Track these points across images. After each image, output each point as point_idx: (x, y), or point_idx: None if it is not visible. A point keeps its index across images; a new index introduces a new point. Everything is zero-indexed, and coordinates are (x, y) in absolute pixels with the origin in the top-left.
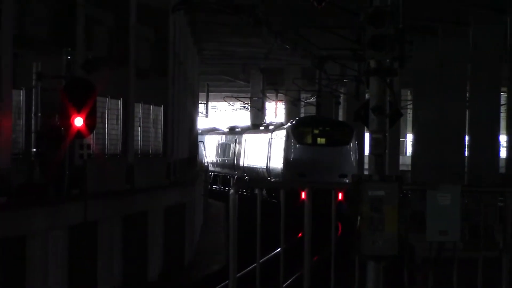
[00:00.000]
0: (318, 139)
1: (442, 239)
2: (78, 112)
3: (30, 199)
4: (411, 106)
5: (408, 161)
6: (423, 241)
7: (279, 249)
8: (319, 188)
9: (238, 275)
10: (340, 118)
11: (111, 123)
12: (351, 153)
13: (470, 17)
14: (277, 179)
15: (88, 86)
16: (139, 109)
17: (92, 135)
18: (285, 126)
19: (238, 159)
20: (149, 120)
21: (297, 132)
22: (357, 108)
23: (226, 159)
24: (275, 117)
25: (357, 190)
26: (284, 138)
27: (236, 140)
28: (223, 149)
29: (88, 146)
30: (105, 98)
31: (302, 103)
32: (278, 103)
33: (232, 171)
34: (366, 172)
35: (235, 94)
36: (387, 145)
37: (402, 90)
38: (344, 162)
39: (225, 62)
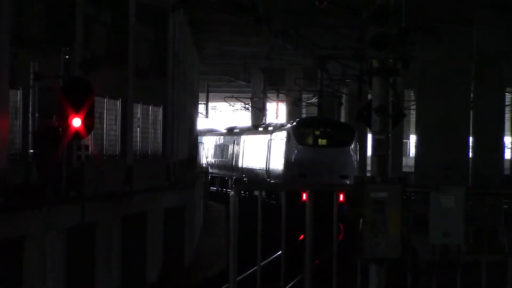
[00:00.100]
0: (319, 140)
1: (446, 241)
2: (76, 112)
3: (27, 200)
4: (414, 107)
5: (411, 162)
6: (426, 244)
7: (280, 252)
8: (320, 190)
9: (238, 278)
10: (342, 119)
11: (110, 124)
12: (353, 154)
13: (473, 17)
14: (277, 180)
15: (86, 86)
16: (138, 110)
17: (90, 136)
18: (286, 127)
19: (237, 161)
20: (148, 120)
21: (298, 133)
22: (360, 109)
23: (224, 161)
24: (276, 118)
25: (359, 192)
26: (285, 139)
27: (234, 141)
28: (221, 150)
29: (86, 147)
30: (104, 98)
31: (304, 103)
32: (279, 103)
33: (230, 173)
34: (368, 174)
35: (236, 95)
36: (390, 146)
37: (405, 91)
38: (345, 163)
39: (225, 61)
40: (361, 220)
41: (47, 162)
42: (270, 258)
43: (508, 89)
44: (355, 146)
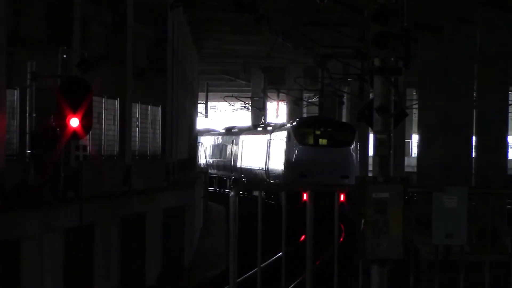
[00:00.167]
0: (320, 140)
1: (449, 242)
2: (74, 112)
3: (25, 201)
4: (416, 106)
5: (414, 162)
6: (428, 244)
7: (281, 253)
8: (321, 190)
9: (239, 279)
10: (344, 118)
11: (108, 124)
12: (353, 154)
13: (476, 16)
14: (277, 180)
15: (84, 85)
16: (136, 109)
17: (88, 136)
18: (286, 127)
19: (235, 161)
20: (147, 120)
21: (299, 132)
22: (361, 108)
23: (222, 161)
24: (277, 117)
25: (361, 192)
26: (285, 139)
27: (233, 141)
28: (220, 150)
29: (84, 147)
30: (102, 98)
31: (305, 103)
32: (280, 103)
33: (228, 173)
34: (370, 174)
35: (236, 94)
36: (391, 146)
37: (407, 90)
38: (346, 163)
39: (225, 60)
40: (362, 221)
41: (45, 162)
42: (271, 259)
43: (511, 88)
44: (356, 146)
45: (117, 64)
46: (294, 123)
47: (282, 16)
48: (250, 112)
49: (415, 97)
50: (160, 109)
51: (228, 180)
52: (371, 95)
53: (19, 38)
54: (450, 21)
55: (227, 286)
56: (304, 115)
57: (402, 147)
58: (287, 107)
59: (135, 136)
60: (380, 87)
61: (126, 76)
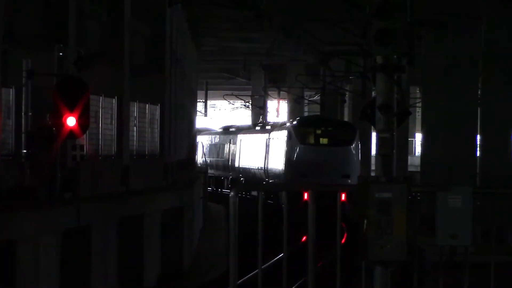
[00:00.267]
0: (321, 139)
1: (453, 243)
2: (71, 111)
3: (21, 202)
4: (420, 104)
5: (417, 161)
6: (433, 245)
7: (282, 254)
8: (322, 190)
9: (239, 281)
10: (346, 117)
11: (105, 123)
12: (354, 153)
13: (480, 11)
14: (276, 180)
15: (81, 84)
16: (134, 108)
17: (85, 135)
18: (286, 126)
19: (233, 160)
20: (145, 119)
21: (299, 131)
22: (363, 107)
23: (220, 160)
24: (277, 116)
25: (363, 192)
26: (285, 138)
27: (231, 140)
28: (217, 149)
29: (81, 147)
30: (99, 97)
31: (306, 101)
32: (281, 101)
33: (226, 173)
34: (373, 173)
35: (236, 92)
36: (394, 145)
37: (411, 87)
38: (347, 163)
39: (224, 58)
40: (365, 221)
41: (41, 162)
42: (271, 261)
43: None
44: (357, 145)
45: (114, 62)
46: (295, 122)
47: (283, 12)
48: (250, 111)
49: (418, 95)
50: (158, 107)
51: (225, 180)
52: (373, 93)
53: (14, 35)
54: (454, 17)
55: None
56: (306, 114)
57: (405, 146)
58: (288, 105)
59: (133, 136)
60: (382, 85)
61: (123, 74)
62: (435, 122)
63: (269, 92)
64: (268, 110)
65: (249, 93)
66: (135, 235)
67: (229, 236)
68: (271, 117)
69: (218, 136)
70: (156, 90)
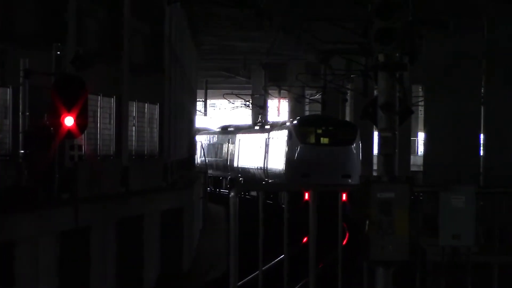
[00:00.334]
0: (321, 138)
1: (456, 243)
2: (69, 111)
3: (18, 203)
4: (422, 103)
5: (420, 161)
6: (435, 245)
7: (283, 255)
8: (322, 189)
9: (239, 283)
10: (347, 116)
11: (104, 123)
12: (355, 153)
13: (483, 9)
14: (275, 180)
15: (79, 83)
16: (133, 108)
17: (83, 135)
18: (287, 125)
19: (232, 160)
20: (144, 119)
21: (300, 131)
22: (365, 105)
23: (218, 160)
24: (278, 115)
25: (365, 192)
26: (286, 138)
27: (229, 140)
28: (215, 149)
29: (79, 147)
30: (97, 96)
31: (307, 100)
32: (281, 100)
33: (225, 173)
34: (375, 173)
35: (236, 91)
36: (396, 144)
37: (413, 86)
38: (348, 162)
39: (224, 57)
40: (367, 222)
41: (39, 162)
42: (273, 262)
43: None
44: (358, 144)
45: (113, 60)
46: (295, 122)
47: (283, 10)
48: (251, 110)
49: (421, 93)
50: (157, 107)
51: (224, 180)
52: (375, 92)
53: (12, 34)
54: (456, 14)
55: None
56: (307, 113)
57: (408, 146)
58: (289, 104)
59: (132, 135)
60: (384, 84)
61: (122, 73)
62: (438, 121)
63: (270, 91)
64: (269, 109)
65: (249, 92)
66: (134, 235)
67: (229, 236)
68: (272, 116)
69: (216, 136)
70: (155, 89)
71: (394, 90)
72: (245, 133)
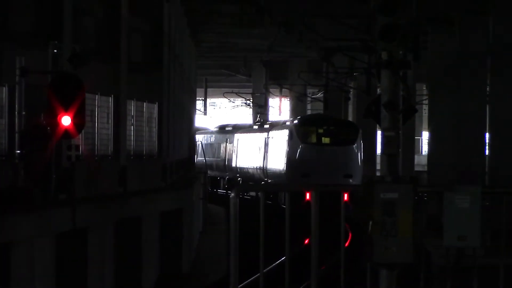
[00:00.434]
0: (323, 138)
1: (461, 245)
2: (66, 110)
3: (15, 204)
4: (426, 102)
5: (424, 161)
6: (440, 247)
7: (284, 257)
8: (324, 190)
9: (240, 286)
10: (350, 115)
11: (102, 122)
12: (357, 153)
13: (489, 5)
14: (275, 180)
15: (76, 82)
16: (131, 107)
17: (80, 135)
18: (287, 125)
19: (230, 160)
20: (143, 118)
21: (301, 130)
22: (368, 104)
23: (216, 160)
24: (280, 114)
25: (368, 192)
26: (287, 137)
27: (227, 139)
28: (213, 149)
29: (77, 147)
30: (95, 95)
31: (309, 98)
32: (283, 99)
33: (223, 173)
34: (378, 173)
35: (236, 90)
36: (400, 144)
37: (417, 85)
38: (349, 162)
39: (224, 55)
40: (370, 223)
41: (35, 163)
42: (274, 264)
43: None
44: (359, 144)
45: (111, 59)
46: (296, 121)
47: (285, 7)
48: (251, 109)
49: (425, 92)
50: (156, 106)
51: (222, 180)
52: (378, 90)
53: (8, 32)
54: (462, 11)
55: None
56: (308, 112)
57: (412, 145)
58: (290, 103)
59: (130, 135)
60: (387, 82)
61: (120, 71)
62: (443, 120)
63: (271, 89)
64: (270, 108)
65: (250, 90)
66: (133, 237)
67: (230, 237)
68: (273, 115)
69: (214, 135)
70: (154, 88)
71: (398, 88)
72: (243, 132)
